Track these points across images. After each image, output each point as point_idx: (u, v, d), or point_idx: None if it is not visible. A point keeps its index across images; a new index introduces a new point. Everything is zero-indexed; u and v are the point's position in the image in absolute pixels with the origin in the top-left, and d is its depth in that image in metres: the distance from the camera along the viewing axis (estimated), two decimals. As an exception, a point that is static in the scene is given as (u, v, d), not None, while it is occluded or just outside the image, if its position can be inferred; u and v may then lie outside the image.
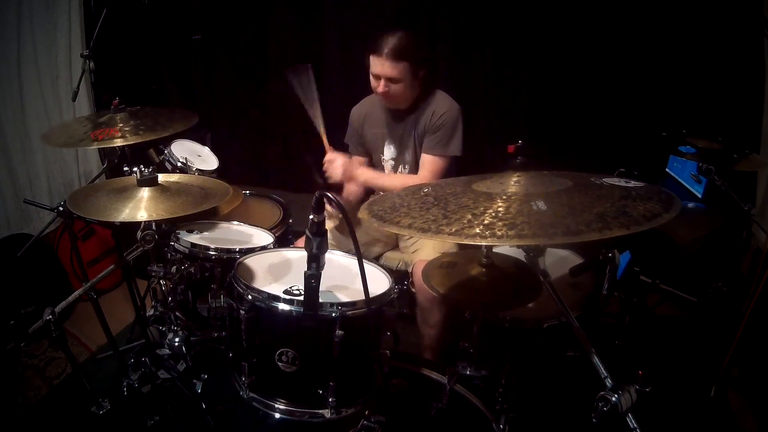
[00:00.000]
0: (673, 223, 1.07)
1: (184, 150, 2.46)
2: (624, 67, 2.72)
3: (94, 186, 1.91)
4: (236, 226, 2.24)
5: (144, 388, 1.86)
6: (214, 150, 2.65)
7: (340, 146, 2.66)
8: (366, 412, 1.54)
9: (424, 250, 2.23)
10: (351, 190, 2.34)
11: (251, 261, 1.77)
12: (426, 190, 1.40)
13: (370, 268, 1.73)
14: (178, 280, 1.94)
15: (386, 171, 2.47)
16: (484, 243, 1.08)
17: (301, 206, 2.70)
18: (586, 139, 2.87)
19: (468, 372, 1.71)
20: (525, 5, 2.80)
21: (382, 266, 1.76)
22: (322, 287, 1.31)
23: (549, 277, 1.32)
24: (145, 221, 1.61)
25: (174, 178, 1.81)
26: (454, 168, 2.35)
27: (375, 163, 2.54)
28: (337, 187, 2.32)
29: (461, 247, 2.13)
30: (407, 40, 2.17)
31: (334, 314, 1.44)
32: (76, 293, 1.60)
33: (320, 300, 1.34)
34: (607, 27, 2.70)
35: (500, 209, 1.14)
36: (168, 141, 2.38)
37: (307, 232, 1.25)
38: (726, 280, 2.38)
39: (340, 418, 1.53)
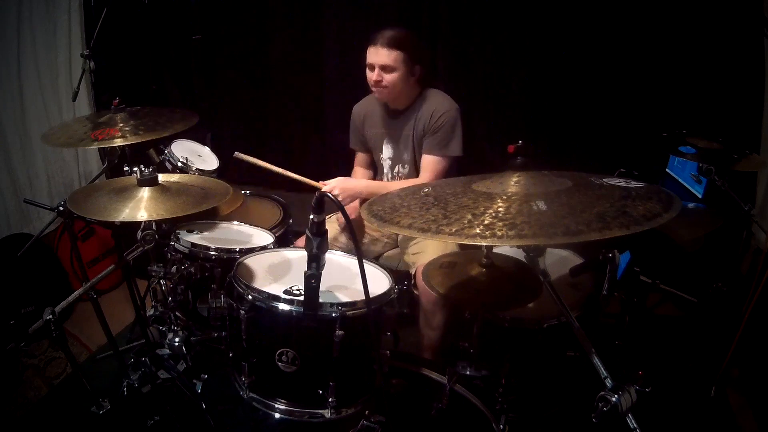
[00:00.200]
0: (673, 223, 1.07)
1: (184, 150, 2.46)
2: (624, 67, 2.72)
3: (94, 186, 1.91)
4: (236, 226, 2.24)
5: (144, 388, 1.86)
6: (214, 150, 2.65)
7: (340, 147, 2.66)
8: (366, 412, 1.54)
9: (426, 253, 2.22)
10: (353, 208, 2.28)
11: (251, 261, 1.77)
12: (426, 190, 1.40)
13: (370, 268, 1.73)
14: (178, 280, 1.94)
15: (385, 170, 2.48)
16: (484, 243, 1.07)
17: (301, 206, 2.70)
18: (586, 139, 2.87)
19: (468, 372, 1.71)
20: (525, 5, 2.79)
21: (382, 266, 1.76)
22: (322, 287, 1.31)
23: (549, 277, 1.32)
24: (145, 221, 1.61)
25: (174, 178, 1.81)
26: (455, 168, 2.35)
27: (375, 163, 2.54)
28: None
29: (461, 247, 2.13)
30: (403, 32, 2.20)
31: (334, 314, 1.45)
32: (76, 293, 1.60)
33: (320, 300, 1.35)
34: (607, 27, 2.69)
35: (500, 209, 1.14)
36: (168, 141, 2.38)
37: (307, 232, 1.25)
38: (726, 280, 2.38)
39: (340, 418, 1.53)
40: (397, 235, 2.48)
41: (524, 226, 1.06)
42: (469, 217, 1.13)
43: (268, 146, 3.67)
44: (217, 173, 2.48)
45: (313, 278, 1.28)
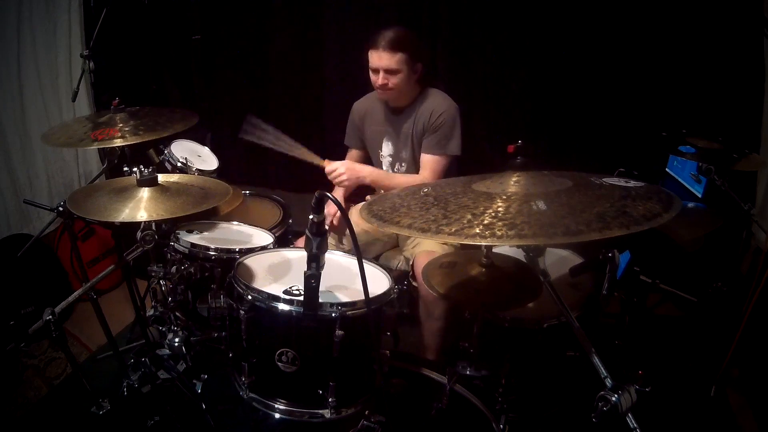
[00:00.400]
0: (673, 223, 1.07)
1: (184, 150, 2.46)
2: (624, 66, 2.71)
3: (94, 186, 1.91)
4: (236, 226, 2.24)
5: (144, 388, 1.86)
6: (214, 150, 2.65)
7: (340, 147, 2.66)
8: (366, 412, 1.54)
9: (425, 244, 2.23)
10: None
11: (251, 261, 1.77)
12: (426, 190, 1.40)
13: (370, 268, 1.73)
14: (178, 280, 1.94)
15: (384, 167, 2.49)
16: (484, 243, 1.08)
17: (301, 206, 2.70)
18: (586, 139, 2.87)
19: (468, 372, 1.71)
20: (525, 5, 2.79)
21: (382, 266, 1.76)
22: (322, 287, 1.31)
23: (549, 277, 1.32)
24: (145, 221, 1.61)
25: (174, 178, 1.81)
26: (455, 167, 2.36)
27: (373, 161, 2.55)
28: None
29: (461, 246, 2.13)
30: (403, 32, 2.20)
31: (334, 314, 1.45)
32: (76, 293, 1.60)
33: (320, 300, 1.35)
34: (607, 27, 2.69)
35: (500, 209, 1.14)
36: (168, 141, 2.38)
37: (307, 232, 1.25)
38: (726, 280, 2.38)
39: (340, 418, 1.53)
40: (396, 235, 2.48)
41: (524, 226, 1.06)
42: (469, 216, 1.13)
43: (267, 146, 3.67)
44: (217, 173, 2.48)
45: (312, 278, 1.28)
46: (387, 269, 1.73)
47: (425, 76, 2.32)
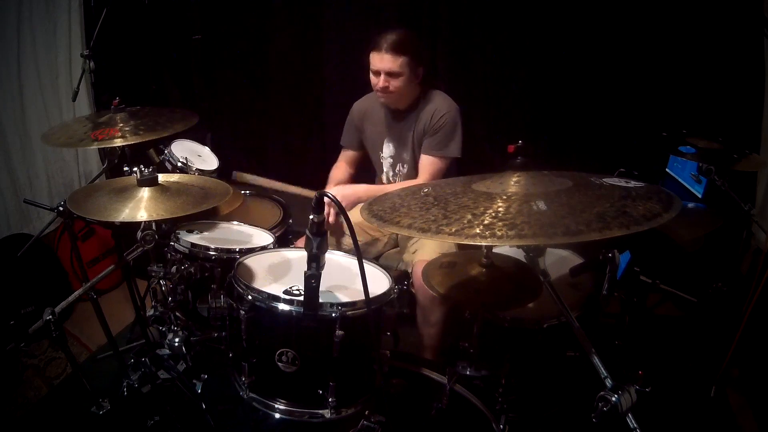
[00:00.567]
0: (673, 223, 1.07)
1: (184, 150, 2.46)
2: (624, 67, 2.71)
3: (94, 186, 1.91)
4: (236, 226, 2.24)
5: (144, 388, 1.86)
6: (214, 150, 2.65)
7: (340, 147, 2.66)
8: (366, 412, 1.54)
9: (424, 250, 2.23)
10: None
11: (251, 261, 1.77)
12: (426, 190, 1.40)
13: (370, 268, 1.73)
14: (178, 280, 1.94)
15: (384, 168, 2.48)
16: (484, 243, 1.08)
17: (301, 206, 2.70)
18: (586, 139, 2.87)
19: (468, 372, 1.71)
20: (525, 5, 2.79)
21: (382, 266, 1.76)
22: (322, 287, 1.31)
23: (549, 277, 1.32)
24: (145, 221, 1.61)
25: (174, 178, 1.81)
26: (454, 169, 2.35)
27: (373, 162, 2.54)
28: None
29: (461, 247, 2.13)
30: (406, 35, 2.19)
31: (334, 314, 1.45)
32: (76, 293, 1.60)
33: (320, 300, 1.35)
34: (607, 27, 2.69)
35: (500, 209, 1.14)
36: (168, 141, 2.38)
37: (307, 232, 1.25)
38: (726, 280, 2.38)
39: (340, 418, 1.53)
40: (396, 235, 2.48)
41: (524, 226, 1.06)
42: (469, 217, 1.13)
43: (267, 146, 3.67)
44: (217, 173, 2.48)
45: (313, 278, 1.28)
46: (387, 269, 1.73)
47: (426, 77, 2.32)
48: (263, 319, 1.52)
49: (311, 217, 1.24)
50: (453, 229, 1.10)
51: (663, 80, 2.68)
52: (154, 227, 1.64)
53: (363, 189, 2.33)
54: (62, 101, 3.26)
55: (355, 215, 2.24)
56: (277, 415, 1.54)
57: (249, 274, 1.68)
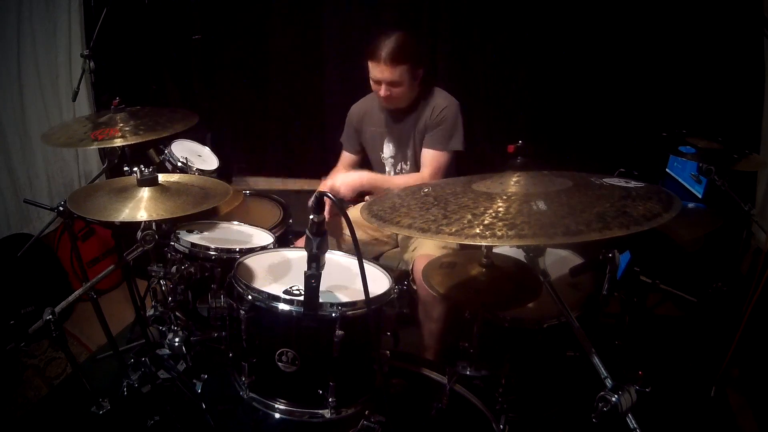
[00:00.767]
0: (673, 223, 1.07)
1: (184, 150, 2.46)
2: (624, 66, 2.72)
3: (94, 186, 1.91)
4: (236, 226, 2.24)
5: (144, 388, 1.86)
6: (214, 150, 2.65)
7: (340, 147, 2.66)
8: (366, 412, 1.54)
9: (424, 246, 2.23)
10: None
11: (251, 261, 1.77)
12: (426, 190, 1.40)
13: (370, 268, 1.73)
14: (178, 280, 1.94)
15: (386, 168, 2.48)
16: (484, 243, 1.07)
17: (301, 206, 2.69)
18: (586, 139, 2.87)
19: (468, 372, 1.71)
20: (525, 5, 2.80)
21: (382, 266, 1.76)
22: (322, 287, 1.31)
23: (549, 277, 1.32)
24: (145, 221, 1.60)
25: (174, 178, 1.81)
26: (455, 165, 2.35)
27: (374, 162, 2.54)
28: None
29: (461, 246, 2.13)
30: (403, 41, 2.17)
31: (334, 314, 1.44)
32: (76, 293, 1.60)
33: (320, 300, 1.35)
34: (607, 27, 2.70)
35: (500, 209, 1.14)
36: (168, 141, 2.38)
37: (307, 232, 1.25)
38: (726, 280, 2.38)
39: (340, 418, 1.53)
40: (396, 234, 2.48)
41: (524, 226, 1.06)
42: (469, 217, 1.13)
43: (268, 146, 3.68)
44: (217, 173, 2.48)
45: (313, 278, 1.28)
46: (387, 269, 1.72)
47: (426, 75, 2.32)
48: (263, 319, 1.52)
49: (311, 217, 1.24)
50: (453, 229, 1.10)
51: (663, 80, 2.68)
52: (154, 227, 1.63)
53: (366, 176, 2.33)
54: (62, 101, 3.26)
55: (355, 215, 2.25)
56: (277, 415, 1.54)
57: (249, 274, 1.67)
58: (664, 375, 2.26)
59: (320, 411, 1.52)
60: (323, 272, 1.30)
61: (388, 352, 1.62)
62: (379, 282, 1.63)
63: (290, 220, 2.55)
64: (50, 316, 1.49)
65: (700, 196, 2.44)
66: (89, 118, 2.26)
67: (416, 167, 2.39)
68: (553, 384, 1.84)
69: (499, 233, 1.05)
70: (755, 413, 2.15)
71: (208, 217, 2.24)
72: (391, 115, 2.39)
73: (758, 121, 2.55)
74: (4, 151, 3.00)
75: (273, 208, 2.70)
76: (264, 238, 2.13)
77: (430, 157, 2.29)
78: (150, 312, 1.99)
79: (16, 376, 2.42)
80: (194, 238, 2.02)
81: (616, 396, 1.03)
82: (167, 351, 1.86)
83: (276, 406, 1.54)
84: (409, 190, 1.45)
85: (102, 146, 2.06)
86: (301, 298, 1.37)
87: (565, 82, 2.83)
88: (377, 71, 2.18)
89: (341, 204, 1.25)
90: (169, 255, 1.97)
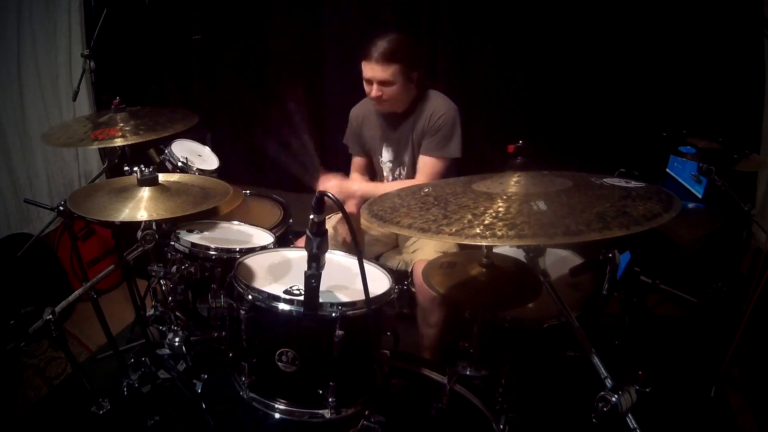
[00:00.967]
0: (673, 223, 1.07)
1: (184, 150, 2.46)
2: (624, 67, 2.72)
3: (94, 186, 1.91)
4: (236, 226, 2.24)
5: (144, 388, 1.86)
6: (214, 150, 2.65)
7: (340, 148, 2.67)
8: (366, 412, 1.54)
9: (424, 250, 2.22)
10: (350, 207, 2.22)
11: (251, 261, 1.77)
12: (426, 190, 1.40)
13: (370, 268, 1.73)
14: (178, 280, 1.94)
15: (384, 173, 2.47)
16: (484, 243, 1.07)
17: (301, 206, 2.70)
18: (586, 139, 2.87)
19: (468, 372, 1.71)
20: (525, 5, 2.79)
21: (382, 266, 1.76)
22: (322, 287, 1.31)
23: (549, 277, 1.32)
24: (145, 221, 1.61)
25: (174, 177, 1.81)
26: (454, 169, 2.35)
27: (374, 166, 2.54)
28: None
29: (461, 247, 2.13)
30: (397, 42, 2.15)
31: (334, 314, 1.45)
32: (76, 293, 1.60)
33: (320, 300, 1.35)
34: (607, 27, 2.69)
35: (500, 209, 1.14)
36: (168, 141, 2.38)
37: (307, 232, 1.25)
38: (726, 280, 2.38)
39: (340, 418, 1.53)
40: (396, 235, 2.47)
41: (524, 226, 1.06)
42: (469, 217, 1.13)
43: (267, 146, 3.67)
44: (217, 173, 2.48)
45: (313, 278, 1.28)
46: (387, 269, 1.73)
47: (423, 79, 2.30)
48: (263, 319, 1.52)
49: (311, 217, 1.24)
50: (453, 229, 1.10)
51: (663, 80, 2.68)
52: (154, 227, 1.63)
53: (360, 186, 2.29)
54: (62, 101, 3.27)
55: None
56: (277, 415, 1.54)
57: (249, 273, 1.68)
58: (664, 375, 2.26)
59: (320, 411, 1.52)
60: (323, 272, 1.30)
61: (388, 352, 1.62)
62: (379, 282, 1.63)
63: (290, 220, 2.55)
64: (50, 316, 1.49)
65: (700, 196, 2.44)
66: (89, 118, 2.26)
67: (413, 172, 2.38)
68: (553, 384, 1.84)
69: (499, 233, 1.05)
70: (755, 413, 2.15)
71: (208, 217, 2.24)
72: (388, 119, 2.37)
73: (758, 121, 2.55)
74: (4, 151, 3.00)
75: (273, 208, 2.70)
76: (264, 238, 2.13)
77: (427, 164, 2.27)
78: (150, 312, 1.99)
79: (16, 376, 2.42)
80: (194, 238, 2.02)
81: (616, 396, 1.03)
82: (167, 351, 1.86)
83: (276, 406, 1.54)
84: (409, 190, 1.45)
85: (102, 146, 2.06)
86: (301, 298, 1.37)
87: (565, 83, 2.83)
88: (368, 70, 2.15)
89: (341, 204, 1.25)
90: (169, 255, 1.97)
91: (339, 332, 1.43)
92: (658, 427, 1.94)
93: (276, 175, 3.65)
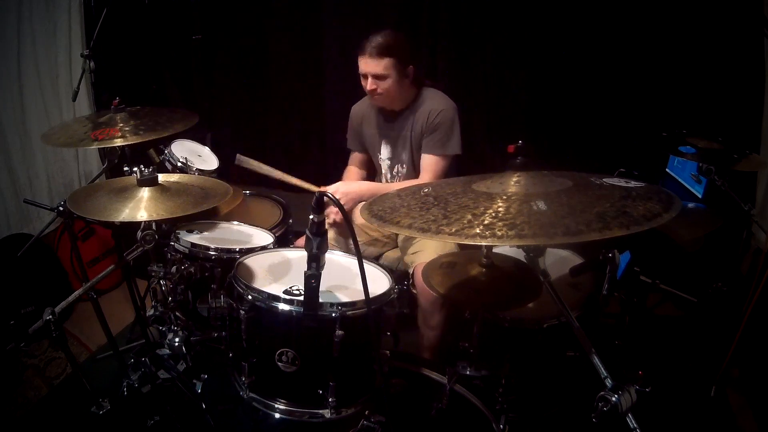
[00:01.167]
0: (673, 223, 1.07)
1: (184, 150, 2.46)
2: (624, 67, 2.72)
3: (94, 186, 1.91)
4: (236, 226, 2.24)
5: (144, 388, 1.86)
6: (214, 150, 2.65)
7: (340, 147, 2.67)
8: (366, 412, 1.54)
9: (425, 253, 2.22)
10: (356, 214, 2.25)
11: (251, 261, 1.77)
12: (426, 190, 1.40)
13: (370, 268, 1.73)
14: (178, 280, 1.94)
15: (383, 170, 2.48)
16: (484, 243, 1.07)
17: (301, 206, 2.70)
18: (586, 139, 2.87)
19: (468, 372, 1.71)
20: (525, 5, 2.79)
21: (382, 266, 1.76)
22: (322, 287, 1.31)
23: (549, 277, 1.32)
24: (145, 221, 1.61)
25: (174, 178, 1.81)
26: (455, 167, 2.35)
27: (374, 163, 2.54)
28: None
29: (461, 247, 2.13)
30: (391, 36, 2.18)
31: (334, 314, 1.45)
32: (76, 293, 1.60)
33: (320, 300, 1.35)
34: (607, 27, 2.69)
35: (500, 209, 1.14)
36: (168, 141, 2.38)
37: (307, 232, 1.25)
38: (726, 280, 2.38)
39: (340, 418, 1.53)
40: (396, 235, 2.48)
41: (524, 226, 1.06)
42: (469, 217, 1.13)
43: (267, 147, 3.68)
44: (217, 173, 2.48)
45: (313, 278, 1.28)
46: (387, 269, 1.73)
47: (420, 77, 2.31)
48: (263, 319, 1.52)
49: (311, 217, 1.24)
50: (453, 229, 1.10)
51: (663, 80, 2.68)
52: (154, 227, 1.63)
53: (366, 186, 2.32)
54: (62, 101, 3.27)
55: (354, 215, 2.25)
56: (277, 415, 1.54)
57: (249, 274, 1.68)
58: (664, 375, 2.26)
59: (320, 411, 1.52)
60: (323, 272, 1.30)
61: (388, 352, 1.62)
62: (379, 282, 1.63)
63: (290, 220, 2.55)
64: (50, 316, 1.49)
65: (700, 196, 2.44)
66: (89, 118, 2.26)
67: (412, 170, 2.39)
68: (553, 384, 1.84)
69: (499, 233, 1.05)
70: (755, 413, 2.14)
71: (208, 217, 2.24)
72: (387, 116, 2.39)
73: (758, 121, 2.55)
74: (4, 151, 3.00)
75: (273, 208, 2.70)
76: (264, 238, 2.13)
77: (429, 162, 2.29)
78: (150, 312, 1.99)
79: (16, 376, 2.42)
80: (194, 238, 2.02)
81: (616, 396, 1.03)
82: (167, 351, 1.86)
83: (276, 406, 1.54)
84: (409, 190, 1.45)
85: (102, 146, 2.06)
86: (301, 298, 1.37)
87: (565, 82, 2.83)
88: (363, 64, 2.19)
89: (341, 204, 1.25)
90: (169, 255, 1.97)
91: (339, 332, 1.43)
92: (658, 427, 1.94)
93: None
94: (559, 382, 1.83)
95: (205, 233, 2.10)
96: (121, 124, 2.00)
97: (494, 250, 1.75)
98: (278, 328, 1.53)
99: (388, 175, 2.48)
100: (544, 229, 1.05)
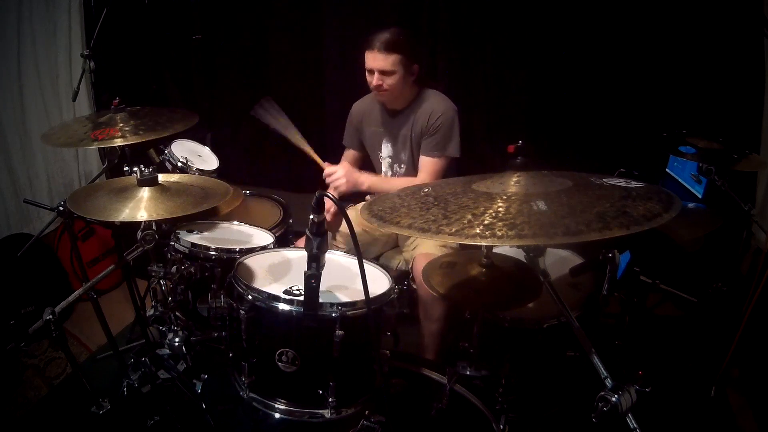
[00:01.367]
0: (673, 223, 1.07)
1: (184, 150, 2.46)
2: (624, 67, 2.72)
3: (94, 186, 1.91)
4: (236, 226, 2.24)
5: (144, 388, 1.86)
6: (214, 150, 2.65)
7: (340, 147, 2.66)
8: (366, 412, 1.54)
9: (425, 244, 2.23)
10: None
11: (251, 261, 1.77)
12: (426, 190, 1.40)
13: (370, 268, 1.73)
14: (178, 280, 1.94)
15: (383, 169, 2.49)
16: (484, 243, 1.07)
17: (301, 206, 2.70)
18: (586, 139, 2.87)
19: (468, 372, 1.71)
20: (525, 5, 2.80)
21: (382, 266, 1.76)
22: (322, 287, 1.31)
23: (549, 277, 1.32)
24: (145, 221, 1.61)
25: (174, 178, 1.81)
26: (454, 169, 2.36)
27: (373, 162, 2.54)
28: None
29: (461, 246, 2.13)
30: (399, 33, 2.20)
31: (334, 314, 1.45)
32: (76, 293, 1.60)
33: (320, 300, 1.35)
34: (607, 27, 2.69)
35: (500, 209, 1.14)
36: (168, 141, 2.38)
37: (307, 232, 1.25)
38: (726, 280, 2.38)
39: (340, 418, 1.53)
40: (396, 235, 2.48)
41: (524, 226, 1.06)
42: (469, 217, 1.13)
43: (267, 147, 3.68)
44: (217, 173, 2.48)
45: (313, 278, 1.28)
46: (387, 269, 1.73)
47: (423, 76, 2.32)
48: (263, 319, 1.52)
49: (311, 217, 1.24)
50: (453, 229, 1.10)
51: (663, 80, 2.68)
52: (154, 227, 1.63)
53: (366, 176, 2.32)
54: (62, 101, 3.27)
55: (354, 215, 2.25)
56: (277, 415, 1.54)
57: (249, 274, 1.68)
58: (664, 375, 2.26)
59: (320, 411, 1.52)
60: (323, 272, 1.30)
61: (388, 352, 1.62)
62: (379, 282, 1.63)
63: (290, 220, 2.56)
64: (50, 316, 1.49)
65: (700, 196, 2.44)
66: (89, 118, 2.26)
67: (412, 169, 2.39)
68: (553, 384, 1.84)
69: (499, 233, 1.05)
70: (755, 413, 2.14)
71: (208, 217, 2.24)
72: (388, 115, 2.39)
73: (758, 121, 2.55)
74: (4, 151, 3.00)
75: (273, 208, 2.70)
76: (264, 238, 2.13)
77: (427, 164, 2.29)
78: (150, 312, 1.99)
79: (16, 376, 2.42)
80: (194, 238, 2.02)
81: (616, 396, 1.03)
82: (167, 351, 1.86)
83: (276, 406, 1.54)
84: (409, 190, 1.45)
85: (102, 146, 2.06)
86: (301, 298, 1.37)
87: (565, 83, 2.83)
88: (371, 59, 2.20)
89: (341, 204, 1.25)
90: (169, 255, 1.97)
91: (339, 332, 1.43)
92: (658, 427, 1.94)
93: (276, 175, 3.66)
94: (559, 382, 1.83)
95: (205, 233, 2.11)
96: (121, 124, 2.00)
97: (494, 250, 1.74)
98: (278, 328, 1.53)
99: (388, 174, 2.49)
100: (544, 229, 1.05)
